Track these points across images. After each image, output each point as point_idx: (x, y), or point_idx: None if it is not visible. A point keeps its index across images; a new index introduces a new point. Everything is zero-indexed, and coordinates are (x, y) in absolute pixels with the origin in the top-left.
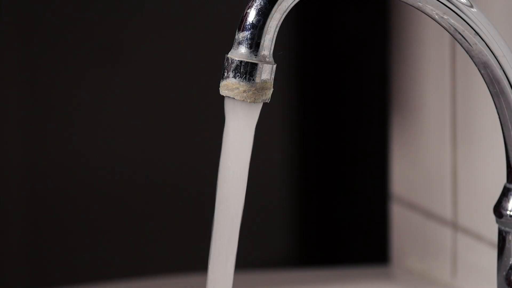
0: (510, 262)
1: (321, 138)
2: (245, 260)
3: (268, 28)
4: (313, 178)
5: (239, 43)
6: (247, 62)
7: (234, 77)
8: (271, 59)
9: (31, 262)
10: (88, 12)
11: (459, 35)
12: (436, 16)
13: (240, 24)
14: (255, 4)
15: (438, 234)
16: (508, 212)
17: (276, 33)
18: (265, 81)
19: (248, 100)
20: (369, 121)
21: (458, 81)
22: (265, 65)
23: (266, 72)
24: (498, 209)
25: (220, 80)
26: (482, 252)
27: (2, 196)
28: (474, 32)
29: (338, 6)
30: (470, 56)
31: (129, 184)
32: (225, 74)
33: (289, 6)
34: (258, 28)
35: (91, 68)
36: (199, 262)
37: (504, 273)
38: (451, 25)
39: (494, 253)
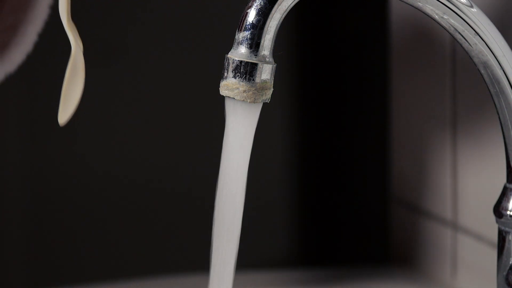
0: (510, 262)
1: (321, 138)
2: (245, 260)
3: (268, 28)
4: (313, 178)
5: (239, 43)
6: (247, 62)
7: (234, 77)
8: (271, 59)
9: (31, 262)
10: (88, 13)
11: (459, 35)
12: (436, 16)
13: (240, 24)
14: (255, 4)
15: (438, 234)
16: (508, 212)
17: (276, 33)
18: (265, 81)
19: (248, 100)
20: (369, 121)
21: (458, 81)
22: (265, 65)
23: (266, 72)
24: (498, 209)
25: (220, 80)
26: (482, 252)
27: (2, 196)
28: (474, 32)
29: (338, 6)
30: (470, 56)
31: (129, 184)
32: (225, 74)
33: (289, 6)
34: (258, 28)
35: (92, 68)
36: (199, 262)
37: (504, 273)
38: (451, 25)
39: (494, 253)
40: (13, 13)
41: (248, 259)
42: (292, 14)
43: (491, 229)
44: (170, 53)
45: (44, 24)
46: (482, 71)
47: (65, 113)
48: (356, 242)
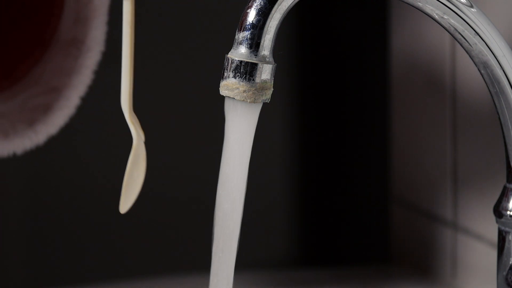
0: (510, 262)
1: (321, 138)
2: (245, 260)
3: (268, 28)
4: (313, 178)
5: (239, 43)
6: (247, 62)
7: (234, 77)
8: (271, 59)
9: (31, 262)
10: None
11: (459, 35)
12: (436, 16)
13: (240, 24)
14: (255, 4)
15: (438, 234)
16: (508, 212)
17: (276, 33)
18: (265, 81)
19: (248, 100)
20: (369, 121)
21: (458, 81)
22: (265, 65)
23: (266, 72)
24: (498, 209)
25: (220, 80)
26: (482, 252)
27: (2, 196)
28: (474, 32)
29: (338, 6)
30: (470, 56)
31: None
32: (225, 74)
33: (289, 6)
34: (258, 28)
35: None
36: (199, 262)
37: (504, 273)
38: (451, 25)
39: (494, 253)
40: (57, 76)
41: (248, 259)
42: (292, 14)
43: (491, 229)
44: (169, 53)
45: (87, 88)
46: (482, 71)
47: (127, 203)
48: (357, 242)
